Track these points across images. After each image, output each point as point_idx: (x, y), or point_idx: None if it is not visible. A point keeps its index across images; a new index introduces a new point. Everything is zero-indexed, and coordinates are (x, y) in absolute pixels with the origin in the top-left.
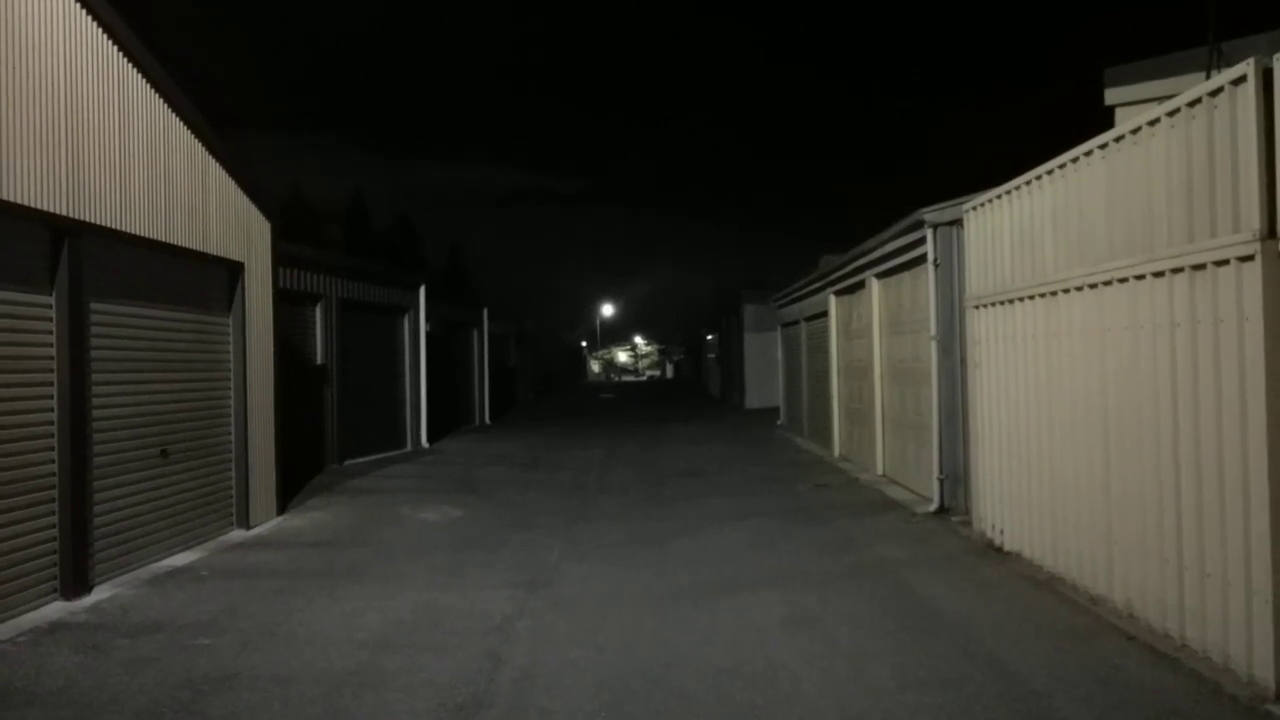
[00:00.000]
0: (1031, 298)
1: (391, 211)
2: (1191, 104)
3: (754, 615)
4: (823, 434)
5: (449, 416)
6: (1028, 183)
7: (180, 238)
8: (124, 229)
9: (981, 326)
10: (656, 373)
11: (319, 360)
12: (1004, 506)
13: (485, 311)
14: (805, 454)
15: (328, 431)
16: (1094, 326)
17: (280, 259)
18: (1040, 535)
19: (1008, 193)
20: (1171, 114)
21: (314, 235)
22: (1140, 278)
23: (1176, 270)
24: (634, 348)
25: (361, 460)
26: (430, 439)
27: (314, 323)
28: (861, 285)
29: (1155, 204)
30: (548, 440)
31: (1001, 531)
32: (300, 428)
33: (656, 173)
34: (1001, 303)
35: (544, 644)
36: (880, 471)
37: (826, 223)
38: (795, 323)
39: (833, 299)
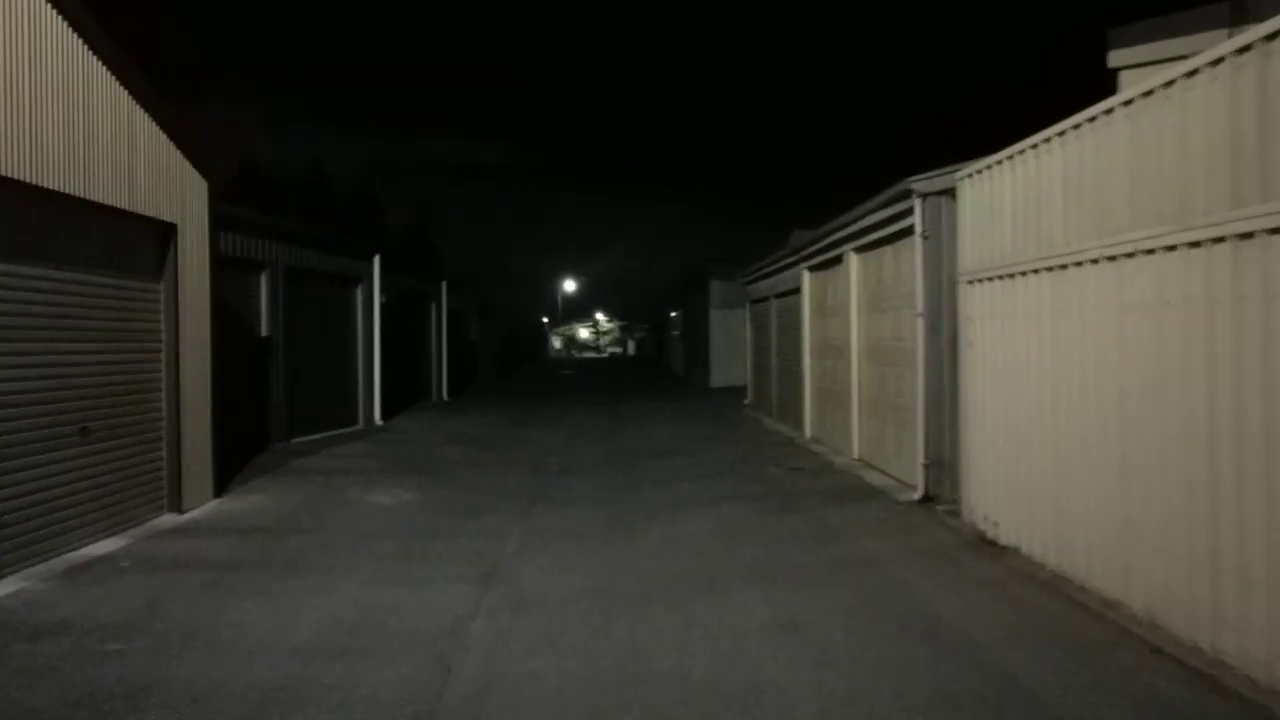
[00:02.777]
0: (1036, 271)
1: (353, 185)
2: (1241, 50)
3: (733, 617)
4: (793, 415)
5: (405, 392)
6: (1034, 146)
7: (102, 194)
8: (33, 181)
9: (976, 303)
10: (618, 350)
11: (264, 332)
12: (998, 497)
13: (444, 284)
14: (775, 435)
15: (273, 408)
16: (1111, 302)
17: (220, 222)
18: (1041, 530)
19: (1010, 158)
20: (1214, 63)
21: (271, 205)
22: (1171, 249)
23: (1217, 240)
24: (595, 324)
25: (310, 438)
26: (384, 416)
27: (258, 292)
28: (838, 260)
29: (1192, 166)
30: (508, 417)
31: (996, 524)
32: (243, 404)
33: (620, 155)
34: (1000, 277)
35: (500, 650)
36: (856, 455)
37: (796, 204)
38: (765, 299)
39: (806, 275)
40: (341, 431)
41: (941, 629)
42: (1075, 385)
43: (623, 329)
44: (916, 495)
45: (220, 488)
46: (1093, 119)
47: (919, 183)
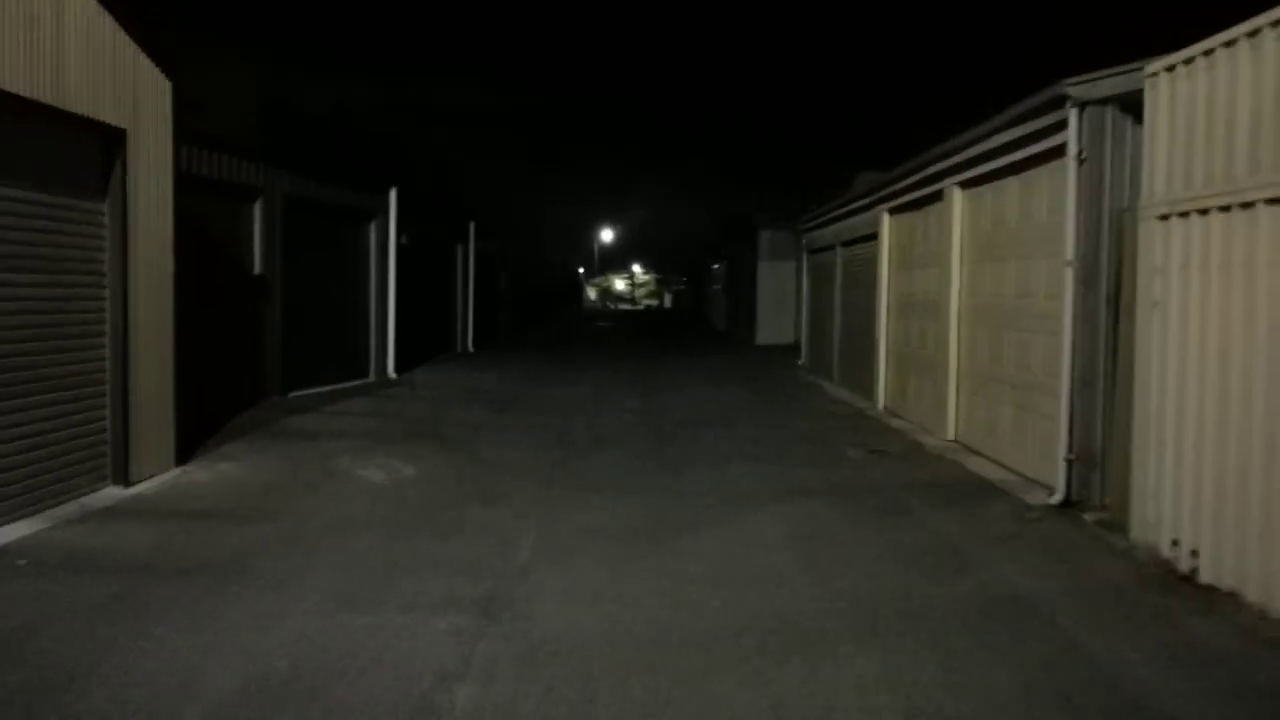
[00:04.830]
0: None
1: (379, 126)
2: None
3: (847, 707)
4: (861, 381)
5: (424, 342)
6: None
7: (11, 81)
8: None
9: (1173, 246)
10: (654, 302)
11: (257, 270)
12: (1198, 516)
13: (472, 226)
14: (840, 404)
15: (268, 357)
16: None
17: (198, 138)
18: None
19: (1251, 35)
20: None
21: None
22: None
23: None
24: (631, 276)
25: (311, 392)
26: (399, 368)
27: (251, 223)
28: (936, 198)
29: None
30: (535, 373)
31: (1193, 553)
32: (229, 352)
33: (662, 100)
34: (1222, 208)
35: None
36: (950, 436)
37: (853, 153)
38: (828, 249)
39: (886, 218)
40: (348, 385)
41: None
42: None
43: (659, 281)
44: (1054, 498)
45: (187, 453)
46: None
47: (1077, 87)
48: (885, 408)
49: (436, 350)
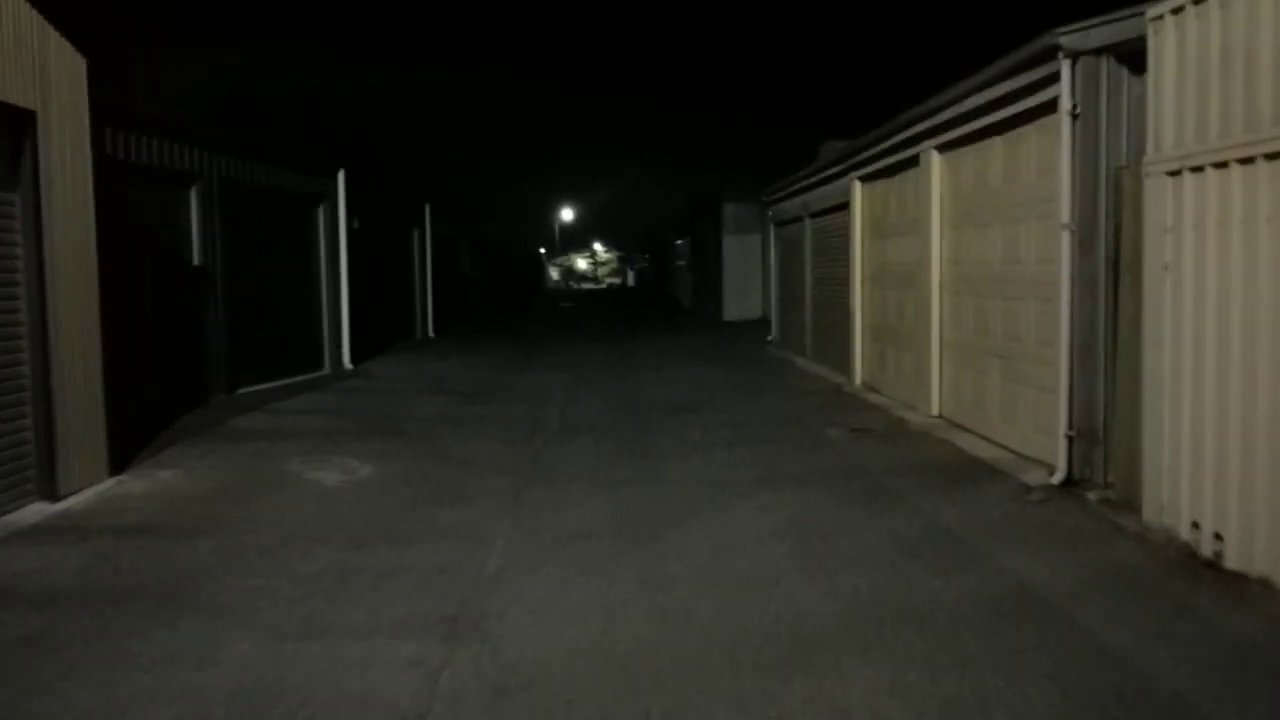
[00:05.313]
0: None
1: (346, 115)
2: None
3: None
4: (836, 356)
5: (382, 330)
6: None
7: None
8: None
9: (1187, 203)
10: (616, 281)
11: (196, 260)
12: (1222, 493)
13: (428, 208)
14: (816, 381)
15: (211, 352)
16: None
17: (124, 120)
18: None
19: None
20: None
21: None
22: None
23: None
24: (593, 255)
25: (261, 388)
26: (355, 358)
27: (188, 211)
28: (911, 163)
29: None
30: (500, 359)
31: (1217, 536)
32: (169, 348)
33: (617, 80)
34: (1245, 160)
35: None
36: (934, 411)
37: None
38: (796, 220)
39: (858, 187)
40: (301, 378)
41: None
42: None
43: (621, 259)
44: (1055, 477)
45: (123, 461)
46: None
47: (1070, 36)
48: (863, 383)
49: (395, 338)
